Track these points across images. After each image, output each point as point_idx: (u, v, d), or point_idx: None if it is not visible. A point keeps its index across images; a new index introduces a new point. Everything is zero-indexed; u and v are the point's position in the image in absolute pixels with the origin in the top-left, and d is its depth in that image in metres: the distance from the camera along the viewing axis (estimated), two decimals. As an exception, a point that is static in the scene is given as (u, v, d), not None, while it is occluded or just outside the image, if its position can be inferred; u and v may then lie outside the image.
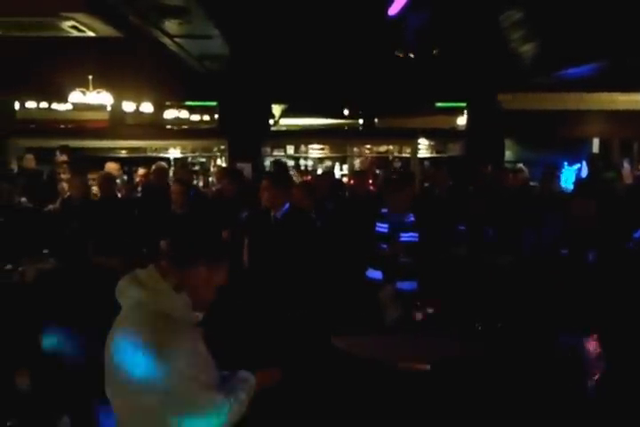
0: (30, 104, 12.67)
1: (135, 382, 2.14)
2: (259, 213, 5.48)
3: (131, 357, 2.14)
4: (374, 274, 5.39)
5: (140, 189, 8.83)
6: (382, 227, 5.46)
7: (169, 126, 13.33)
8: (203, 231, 2.43)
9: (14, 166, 11.01)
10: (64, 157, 9.74)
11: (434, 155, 12.31)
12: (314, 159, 12.51)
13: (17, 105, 12.20)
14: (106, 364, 2.29)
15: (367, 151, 12.51)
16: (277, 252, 5.12)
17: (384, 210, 5.53)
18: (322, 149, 12.39)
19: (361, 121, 13.37)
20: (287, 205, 5.22)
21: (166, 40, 6.81)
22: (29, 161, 10.16)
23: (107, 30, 6.65)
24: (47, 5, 5.95)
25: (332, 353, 4.35)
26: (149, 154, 12.14)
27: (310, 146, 12.32)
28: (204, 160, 12.66)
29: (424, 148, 12.31)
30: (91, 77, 9.38)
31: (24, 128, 12.05)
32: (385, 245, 5.35)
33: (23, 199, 7.29)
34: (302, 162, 12.51)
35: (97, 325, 3.20)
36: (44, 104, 12.88)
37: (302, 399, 4.44)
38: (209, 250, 2.34)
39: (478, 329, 4.40)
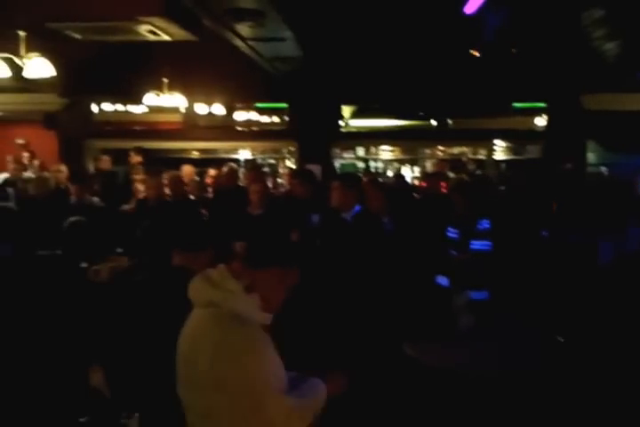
0: (107, 106, 13.01)
1: (205, 383, 2.15)
2: (330, 214, 5.44)
3: (202, 357, 2.15)
4: (443, 280, 5.28)
5: (210, 189, 8.90)
6: (453, 232, 5.34)
7: (239, 128, 13.47)
8: (278, 234, 2.41)
9: (90, 167, 11.32)
10: (138, 158, 9.93)
11: (511, 157, 11.98)
12: (384, 161, 12.40)
13: (95, 107, 12.49)
14: (178, 363, 2.31)
15: (440, 153, 12.28)
16: (347, 254, 5.06)
17: (456, 215, 5.41)
18: (392, 150, 12.25)
19: (434, 122, 13.17)
20: (357, 208, 5.16)
21: (239, 43, 6.85)
22: (105, 162, 10.38)
23: (182, 34, 6.74)
24: (125, 10, 6.07)
25: (403, 360, 4.26)
26: (220, 155, 12.30)
27: (381, 148, 12.21)
28: (273, 162, 12.74)
29: (500, 149, 11.97)
30: (165, 80, 9.55)
31: (100, 130, 12.35)
32: (454, 252, 5.23)
33: (96, 199, 7.45)
34: (372, 164, 12.42)
35: (169, 323, 3.26)
36: (120, 106, 13.23)
37: (371, 405, 4.38)
38: (283, 253, 2.32)
39: (559, 341, 4.23)
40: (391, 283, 5.09)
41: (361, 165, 12.17)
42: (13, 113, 12.13)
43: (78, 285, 4.39)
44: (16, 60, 6.21)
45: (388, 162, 12.43)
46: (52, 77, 6.49)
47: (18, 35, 6.20)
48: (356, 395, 2.84)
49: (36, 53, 6.24)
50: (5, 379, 4.12)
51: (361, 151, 12.25)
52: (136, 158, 9.92)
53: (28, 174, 9.64)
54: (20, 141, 11.66)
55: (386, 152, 12.29)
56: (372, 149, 12.27)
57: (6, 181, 9.00)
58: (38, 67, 6.20)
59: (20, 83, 7.72)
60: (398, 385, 4.54)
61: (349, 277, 4.99)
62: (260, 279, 2.26)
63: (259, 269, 2.27)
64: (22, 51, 6.20)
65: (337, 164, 11.67)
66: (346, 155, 12.06)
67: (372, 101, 11.47)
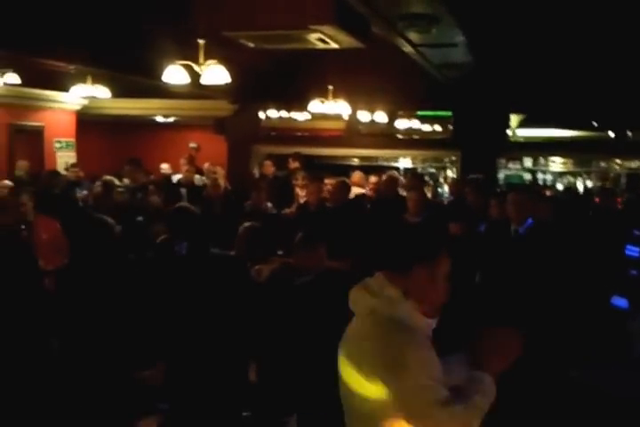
0: (272, 113, 13.46)
1: (367, 388, 2.15)
2: (498, 225, 5.28)
3: (365, 363, 2.16)
4: (620, 302, 4.94)
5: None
6: (633, 251, 4.99)
7: (400, 136, 13.42)
8: (412, 232, 2.40)
9: (256, 171, 11.72)
10: (296, 164, 10.14)
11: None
12: (553, 173, 11.83)
13: (261, 114, 12.94)
14: (339, 366, 2.32)
15: (617, 167, 11.52)
16: (515, 267, 4.87)
17: (637, 232, 5.05)
18: (564, 162, 11.64)
19: (611, 133, 12.35)
20: (530, 220, 4.97)
21: (409, 49, 6.80)
22: (268, 167, 10.71)
23: (350, 41, 6.78)
24: (297, 19, 6.20)
25: (568, 383, 4.01)
26: (380, 163, 12.32)
27: (550, 159, 11.64)
28: (433, 171, 12.58)
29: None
30: (331, 87, 9.68)
31: (266, 135, 12.77)
32: (634, 272, 4.89)
33: (269, 205, 7.66)
34: (540, 176, 11.88)
35: (330, 326, 3.25)
36: (284, 113, 13.63)
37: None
38: (420, 251, 2.27)
39: None
40: (563, 301, 4.82)
41: (527, 176, 11.68)
42: (187, 118, 12.88)
43: (243, 284, 4.52)
44: (194, 67, 6.51)
45: (557, 174, 11.83)
46: (225, 84, 6.74)
47: (197, 43, 6.50)
48: (518, 414, 2.68)
49: (213, 61, 6.51)
50: (175, 367, 4.32)
51: (528, 162, 11.76)
52: (294, 164, 10.14)
53: (199, 176, 10.17)
54: (193, 145, 12.34)
55: (555, 164, 11.70)
56: (541, 161, 11.72)
57: (179, 182, 9.51)
58: (215, 74, 6.47)
59: (196, 89, 8.14)
60: (561, 408, 4.29)
61: (514, 289, 4.78)
62: (411, 283, 2.24)
63: (404, 273, 2.24)
64: (201, 58, 6.49)
65: (501, 174, 11.28)
66: (511, 165, 11.63)
67: (541, 110, 10.95)
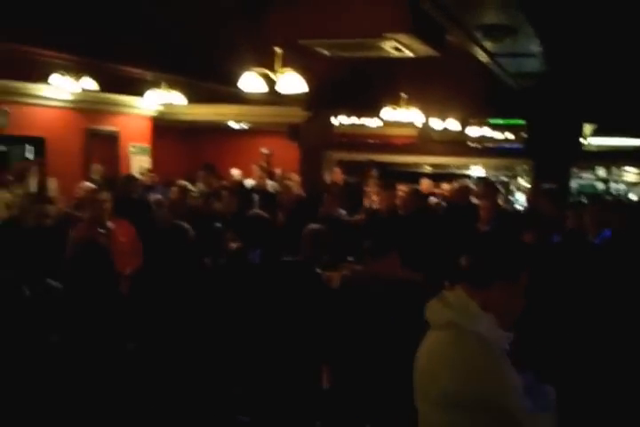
0: (343, 119, 13.51)
1: (447, 400, 2.16)
2: (574, 236, 5.18)
3: (444, 376, 2.16)
4: None
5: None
6: None
7: (471, 144, 13.29)
8: (498, 249, 2.33)
9: (327, 178, 11.80)
10: (375, 172, 10.19)
11: None
12: (627, 183, 11.51)
13: (333, 120, 13.00)
14: (416, 377, 2.32)
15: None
16: (591, 279, 4.76)
17: None
18: (638, 173, 11.32)
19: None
20: (607, 232, 4.85)
21: (484, 58, 6.75)
22: (337, 174, 10.80)
23: (425, 50, 6.79)
24: (373, 27, 6.24)
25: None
26: (452, 170, 12.23)
27: (624, 169, 11.34)
28: (505, 179, 12.40)
29: None
30: (404, 95, 9.68)
31: (338, 142, 12.82)
32: None
33: (343, 211, 7.71)
34: (613, 186, 11.60)
35: (405, 335, 3.26)
36: (355, 119, 13.67)
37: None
38: (505, 269, 2.25)
39: None
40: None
41: (600, 186, 11.40)
42: (261, 124, 13.03)
43: (315, 290, 4.56)
44: (271, 74, 6.62)
45: (631, 184, 11.51)
46: (300, 91, 6.82)
47: (274, 51, 6.61)
48: None
49: (289, 69, 6.60)
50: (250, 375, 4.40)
51: (601, 172, 11.48)
52: (371, 172, 10.19)
53: (272, 182, 10.29)
54: (265, 151, 12.49)
55: (630, 174, 11.38)
56: (615, 170, 11.43)
57: (252, 188, 9.66)
58: (290, 82, 6.55)
59: (271, 96, 8.26)
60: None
61: (593, 304, 4.67)
62: (491, 297, 2.23)
63: (484, 288, 2.24)
64: (277, 66, 6.60)
65: (574, 184, 11.04)
66: (584, 175, 11.37)
67: (615, 119, 10.69)
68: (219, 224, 6.62)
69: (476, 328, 2.20)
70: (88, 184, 7.87)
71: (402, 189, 7.64)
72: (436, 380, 2.20)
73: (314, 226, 4.90)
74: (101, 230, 5.81)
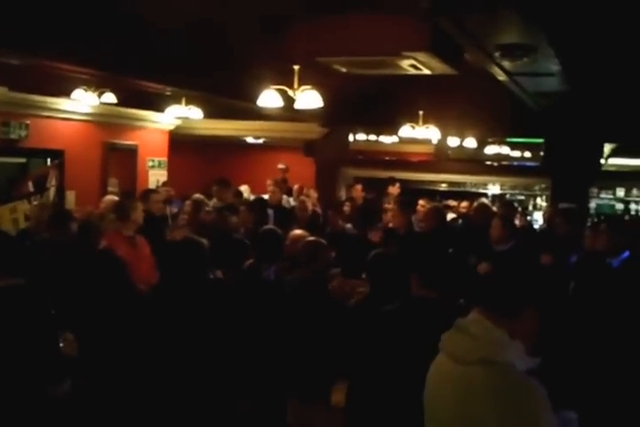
0: (360, 136, 13.53)
1: None
2: (591, 257, 5.12)
3: (492, 422, 2.04)
4: None
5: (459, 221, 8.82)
6: None
7: (488, 162, 13.24)
8: (528, 277, 2.25)
9: (343, 194, 11.78)
10: (397, 190, 10.18)
11: None
12: (647, 205, 11.40)
13: (350, 137, 13.03)
14: (430, 410, 2.27)
15: None
16: (609, 302, 4.69)
17: None
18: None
19: None
20: (627, 254, 4.79)
21: (503, 77, 6.73)
22: (357, 191, 10.76)
23: (442, 68, 6.77)
24: (391, 45, 6.24)
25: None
26: (468, 189, 12.17)
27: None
28: (522, 198, 12.32)
29: None
30: (421, 113, 9.68)
31: (354, 158, 12.82)
32: None
33: (349, 226, 7.69)
34: (633, 206, 11.47)
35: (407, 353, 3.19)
36: (372, 136, 13.68)
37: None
38: (534, 297, 2.19)
39: None
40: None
41: (620, 206, 11.28)
42: (277, 140, 13.08)
43: (330, 309, 4.53)
44: (289, 91, 6.65)
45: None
46: (317, 108, 6.84)
47: (292, 68, 6.64)
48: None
49: (307, 86, 6.63)
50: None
51: (621, 192, 11.36)
52: (395, 189, 10.18)
53: (287, 198, 10.27)
54: (281, 166, 12.51)
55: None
56: (635, 191, 11.31)
57: (266, 203, 9.61)
58: (308, 98, 6.58)
59: (288, 113, 8.28)
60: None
61: (611, 327, 4.60)
62: (519, 325, 2.15)
63: (513, 316, 2.16)
64: (295, 83, 6.63)
65: (593, 204, 10.94)
66: (603, 195, 11.27)
67: (636, 139, 10.59)
68: (238, 237, 6.63)
69: (510, 360, 2.10)
70: (112, 197, 7.91)
71: (422, 203, 7.61)
72: (479, 423, 2.07)
73: (309, 239, 4.85)
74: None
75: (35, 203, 8.18)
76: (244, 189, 11.25)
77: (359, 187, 10.73)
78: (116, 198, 7.63)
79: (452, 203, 10.69)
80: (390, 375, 3.88)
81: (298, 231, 5.63)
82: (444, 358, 2.26)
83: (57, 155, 9.45)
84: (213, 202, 8.52)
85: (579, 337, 4.71)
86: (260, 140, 13.63)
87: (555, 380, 2.42)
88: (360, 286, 6.35)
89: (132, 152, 11.13)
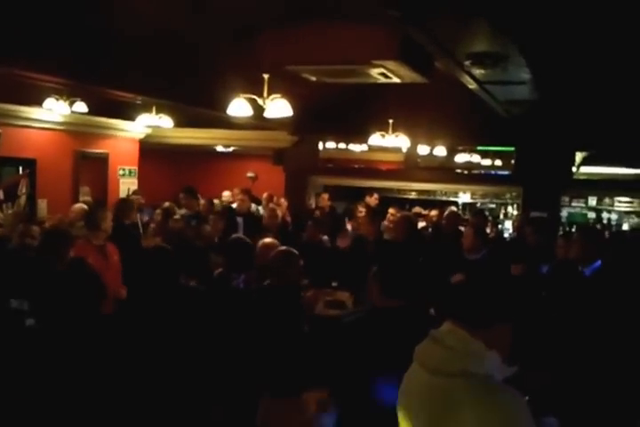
0: (329, 144, 13.50)
1: None
2: (564, 266, 5.12)
3: (460, 421, 2.02)
4: None
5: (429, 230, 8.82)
6: None
7: (458, 170, 13.26)
8: (500, 291, 2.25)
9: (312, 203, 11.73)
10: (374, 200, 10.19)
11: None
12: (619, 213, 11.47)
13: (319, 145, 13.00)
14: (404, 419, 2.24)
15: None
16: (580, 310, 4.68)
17: None
18: (630, 202, 11.27)
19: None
20: (598, 263, 4.80)
21: (474, 86, 6.72)
22: (323, 200, 10.80)
23: (412, 77, 6.74)
24: (361, 54, 6.19)
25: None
26: (439, 197, 12.18)
27: (617, 198, 11.29)
28: (493, 206, 12.36)
29: None
30: (391, 121, 9.66)
31: (323, 167, 12.79)
32: None
33: (325, 238, 7.65)
34: (605, 215, 11.55)
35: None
36: (341, 144, 13.66)
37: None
38: (506, 311, 2.20)
39: None
40: (632, 349, 4.60)
41: (591, 215, 11.36)
42: (247, 148, 13.03)
43: (298, 316, 4.46)
44: (259, 100, 6.60)
45: (623, 214, 11.45)
46: (286, 116, 6.80)
47: (262, 77, 6.58)
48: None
49: (277, 95, 6.58)
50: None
51: (593, 201, 11.43)
52: (373, 200, 10.19)
53: (255, 206, 10.20)
54: (250, 175, 12.44)
55: (622, 203, 11.33)
56: (607, 200, 11.39)
57: (235, 211, 9.51)
58: (278, 107, 6.54)
59: (258, 121, 8.21)
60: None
61: (581, 333, 4.59)
62: (493, 336, 2.15)
63: (486, 328, 2.16)
64: (265, 92, 6.57)
65: (564, 212, 10.99)
66: (575, 203, 11.34)
67: (607, 148, 10.63)
68: (201, 245, 6.58)
69: (489, 371, 2.10)
70: (82, 205, 7.83)
71: (392, 212, 7.59)
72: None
73: (281, 248, 4.77)
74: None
75: (9, 211, 8.12)
76: (227, 195, 11.25)
77: (325, 196, 10.79)
78: (85, 207, 7.60)
79: (422, 211, 10.71)
80: (355, 383, 3.83)
81: (268, 240, 5.56)
82: (419, 368, 2.24)
83: (29, 163, 9.48)
84: (183, 211, 8.47)
85: (553, 345, 4.70)
86: (230, 149, 13.59)
87: (532, 387, 2.40)
88: (332, 295, 6.35)
89: (102, 161, 11.13)
